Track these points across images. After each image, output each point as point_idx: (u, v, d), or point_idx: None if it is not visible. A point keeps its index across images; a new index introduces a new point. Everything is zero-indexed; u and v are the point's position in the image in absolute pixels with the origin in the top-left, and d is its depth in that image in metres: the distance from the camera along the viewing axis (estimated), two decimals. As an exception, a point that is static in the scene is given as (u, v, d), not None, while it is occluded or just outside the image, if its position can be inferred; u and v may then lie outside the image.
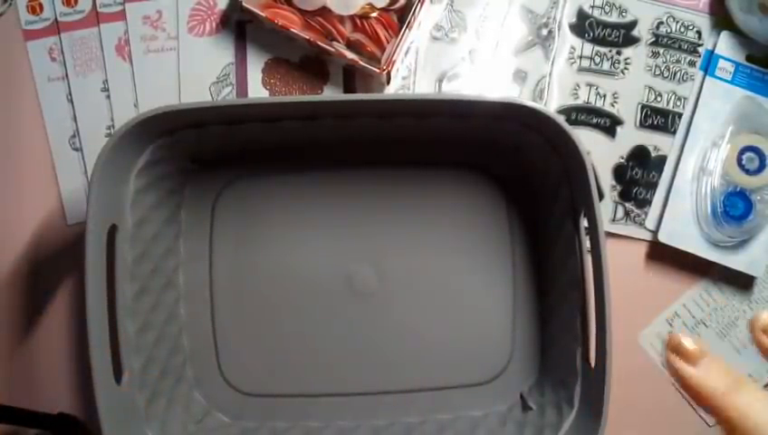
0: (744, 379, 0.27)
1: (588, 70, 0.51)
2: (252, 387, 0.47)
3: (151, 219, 0.44)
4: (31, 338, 0.50)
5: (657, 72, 0.51)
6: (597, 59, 0.51)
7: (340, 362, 0.48)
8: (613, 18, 0.51)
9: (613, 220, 0.50)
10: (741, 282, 0.50)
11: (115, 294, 0.41)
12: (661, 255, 0.50)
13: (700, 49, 0.51)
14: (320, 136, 0.45)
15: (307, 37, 0.48)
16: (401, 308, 0.48)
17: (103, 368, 0.39)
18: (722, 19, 0.51)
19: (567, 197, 0.43)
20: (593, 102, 0.51)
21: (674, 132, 0.51)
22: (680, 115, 0.51)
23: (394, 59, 0.48)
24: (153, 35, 0.51)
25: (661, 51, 0.51)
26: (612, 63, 0.51)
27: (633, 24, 0.51)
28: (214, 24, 0.52)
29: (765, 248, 0.49)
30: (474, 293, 0.48)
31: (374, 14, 0.50)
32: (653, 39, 0.51)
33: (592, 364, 0.41)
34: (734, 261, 0.49)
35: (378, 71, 0.48)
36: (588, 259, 0.41)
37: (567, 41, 0.51)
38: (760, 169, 0.48)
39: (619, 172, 0.51)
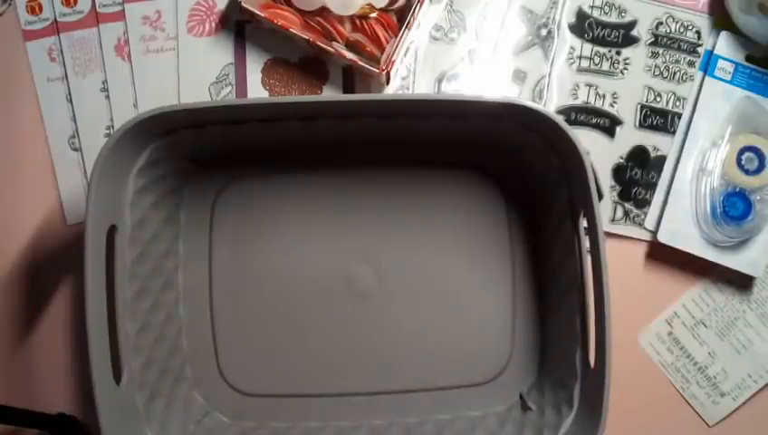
0: None
1: (587, 70, 0.51)
2: (251, 387, 0.47)
3: (151, 219, 0.44)
4: (30, 338, 0.50)
5: (657, 73, 0.51)
6: (596, 59, 0.51)
7: (340, 362, 0.48)
8: (612, 18, 0.51)
9: (612, 220, 0.50)
10: (740, 282, 0.50)
11: (114, 294, 0.41)
12: (661, 255, 0.50)
13: (699, 49, 0.51)
14: (319, 136, 0.45)
15: (306, 37, 0.48)
16: (400, 308, 0.48)
17: (103, 368, 0.39)
18: (721, 19, 0.51)
19: (566, 197, 0.43)
20: (593, 102, 0.51)
21: (673, 132, 0.51)
22: (679, 115, 0.51)
23: (393, 59, 0.48)
24: (152, 35, 0.51)
25: (660, 51, 0.51)
26: (612, 64, 0.51)
27: (632, 25, 0.51)
28: (213, 25, 0.52)
29: (765, 248, 0.49)
30: (473, 293, 0.48)
31: (373, 15, 0.50)
32: (652, 39, 0.51)
33: (592, 365, 0.41)
34: (734, 261, 0.49)
35: (377, 71, 0.48)
36: (587, 259, 0.41)
37: (566, 41, 0.51)
38: (759, 170, 0.48)
39: (618, 172, 0.51)
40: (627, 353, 0.49)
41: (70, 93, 0.51)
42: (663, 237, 0.49)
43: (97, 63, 0.51)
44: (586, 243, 0.41)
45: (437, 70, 0.51)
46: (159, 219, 0.45)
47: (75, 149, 0.51)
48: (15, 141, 0.51)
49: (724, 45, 0.50)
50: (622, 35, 0.51)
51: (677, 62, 0.51)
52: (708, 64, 0.50)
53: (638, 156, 0.51)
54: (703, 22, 0.51)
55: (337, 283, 0.48)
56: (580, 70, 0.51)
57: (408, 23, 0.48)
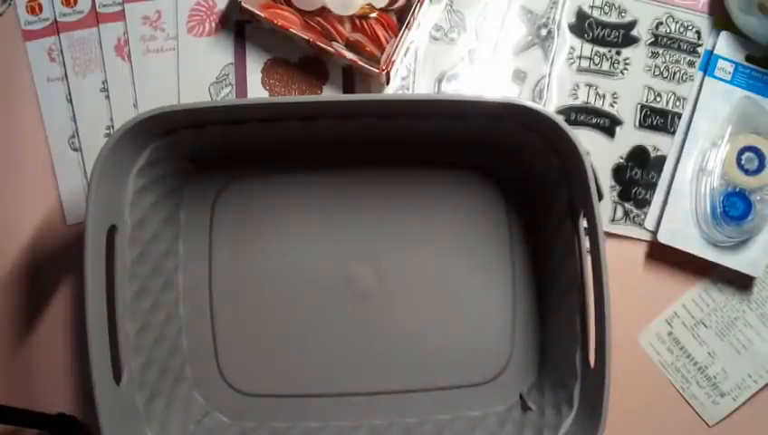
0: None
1: (587, 70, 0.51)
2: (251, 387, 0.47)
3: (150, 219, 0.44)
4: (31, 338, 0.50)
5: (657, 73, 0.51)
6: (596, 59, 0.51)
7: (340, 362, 0.48)
8: (612, 18, 0.51)
9: (612, 220, 0.50)
10: (740, 282, 0.50)
11: (114, 294, 0.41)
12: (661, 255, 0.50)
13: (699, 49, 0.51)
14: (319, 136, 0.45)
15: (306, 37, 0.48)
16: (400, 308, 0.48)
17: (103, 368, 0.39)
18: (721, 19, 0.51)
19: (566, 197, 0.43)
20: (592, 103, 0.51)
21: (673, 132, 0.51)
22: (679, 115, 0.51)
23: (393, 59, 0.48)
24: (152, 35, 0.51)
25: (660, 51, 0.51)
26: (612, 64, 0.51)
27: (632, 25, 0.51)
28: (213, 25, 0.52)
29: (765, 248, 0.49)
30: (473, 293, 0.48)
31: (373, 15, 0.50)
32: (652, 39, 0.51)
33: (592, 365, 0.41)
34: (734, 261, 0.49)
35: (377, 71, 0.48)
36: (587, 259, 0.41)
37: (566, 41, 0.51)
38: (759, 170, 0.48)
39: (618, 172, 0.51)
40: (627, 353, 0.49)
41: (70, 93, 0.51)
42: (663, 237, 0.49)
43: (97, 63, 0.51)
44: (586, 243, 0.41)
45: (437, 70, 0.51)
46: (159, 219, 0.45)
47: (75, 149, 0.51)
48: (15, 141, 0.51)
49: (724, 45, 0.50)
50: (622, 35, 0.51)
51: (677, 62, 0.51)
52: (708, 64, 0.50)
53: (638, 156, 0.51)
54: (703, 22, 0.51)
55: (337, 283, 0.48)
56: (580, 70, 0.51)
57: (408, 23, 0.48)
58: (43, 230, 0.51)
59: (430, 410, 0.47)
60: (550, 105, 0.51)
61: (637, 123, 0.51)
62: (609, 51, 0.51)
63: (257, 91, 0.51)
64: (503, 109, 0.41)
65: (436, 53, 0.51)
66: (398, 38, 0.48)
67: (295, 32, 0.48)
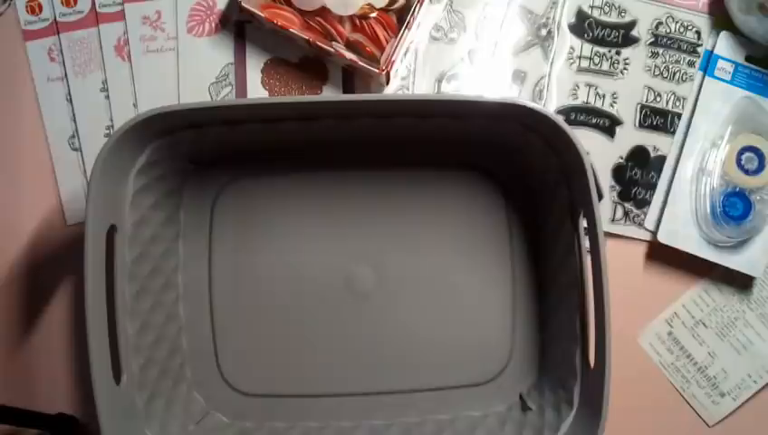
0: None
1: (587, 70, 0.51)
2: (251, 387, 0.47)
3: (150, 220, 0.44)
4: (30, 338, 0.50)
5: (657, 73, 0.51)
6: (596, 59, 0.51)
7: (339, 362, 0.48)
8: (612, 18, 0.51)
9: (612, 220, 0.50)
10: (740, 282, 0.50)
11: (114, 294, 0.41)
12: (660, 255, 0.50)
13: (699, 49, 0.51)
14: (319, 136, 0.45)
15: (306, 37, 0.48)
16: (400, 308, 0.48)
17: (102, 368, 0.39)
18: (721, 19, 0.51)
19: (566, 197, 0.43)
20: (592, 103, 0.51)
21: (673, 133, 0.51)
22: (679, 115, 0.51)
23: (393, 59, 0.48)
24: (152, 35, 0.51)
25: (660, 51, 0.51)
26: (611, 64, 0.51)
27: (632, 25, 0.51)
28: (213, 25, 0.52)
29: (764, 248, 0.49)
30: (473, 293, 0.48)
31: (373, 15, 0.50)
32: (652, 39, 0.51)
33: (592, 365, 0.41)
34: (734, 261, 0.49)
35: (377, 71, 0.48)
36: (587, 259, 0.41)
37: (566, 41, 0.51)
38: (759, 170, 0.48)
39: (618, 172, 0.51)
40: (627, 353, 0.49)
41: (70, 93, 0.51)
42: (663, 237, 0.49)
43: (97, 63, 0.51)
44: (586, 243, 0.41)
45: (437, 70, 0.51)
46: (159, 219, 0.45)
47: (75, 149, 0.51)
48: (15, 141, 0.51)
49: (724, 45, 0.50)
50: (622, 35, 0.51)
51: (677, 62, 0.51)
52: (708, 64, 0.50)
53: (638, 156, 0.51)
54: (703, 22, 0.51)
55: (337, 283, 0.48)
56: (580, 70, 0.51)
57: (408, 23, 0.48)
58: (42, 230, 0.51)
59: (430, 410, 0.47)
60: (550, 105, 0.51)
61: (637, 123, 0.51)
62: (609, 51, 0.51)
63: (257, 91, 0.51)
64: (503, 109, 0.41)
65: (436, 53, 0.51)
66: (398, 38, 0.48)
67: (295, 32, 0.48)
